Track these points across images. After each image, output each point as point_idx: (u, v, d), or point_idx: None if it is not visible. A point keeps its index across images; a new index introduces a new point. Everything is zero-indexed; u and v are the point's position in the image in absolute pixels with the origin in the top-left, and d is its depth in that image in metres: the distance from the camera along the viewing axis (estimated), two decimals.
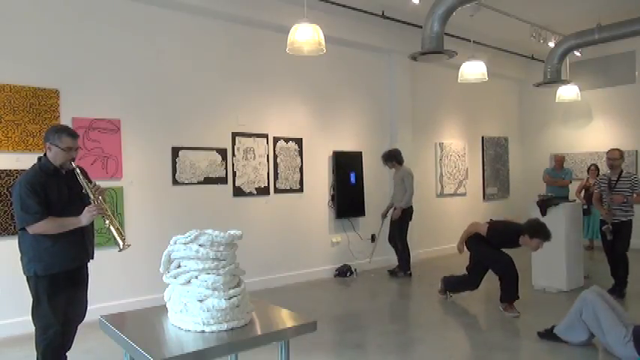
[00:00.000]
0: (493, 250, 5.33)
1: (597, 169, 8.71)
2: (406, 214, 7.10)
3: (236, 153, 6.41)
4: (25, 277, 3.33)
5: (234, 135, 6.41)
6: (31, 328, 4.60)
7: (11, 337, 4.69)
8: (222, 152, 6.28)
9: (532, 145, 10.75)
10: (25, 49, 4.95)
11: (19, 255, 3.32)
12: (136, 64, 5.65)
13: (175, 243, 2.30)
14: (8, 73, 4.84)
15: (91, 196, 3.26)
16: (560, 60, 7.56)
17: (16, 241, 3.36)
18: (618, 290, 5.73)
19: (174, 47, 5.93)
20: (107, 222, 3.25)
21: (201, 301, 2.20)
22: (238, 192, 6.42)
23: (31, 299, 3.32)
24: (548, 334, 4.41)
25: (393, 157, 7.15)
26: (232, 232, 2.33)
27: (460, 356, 4.19)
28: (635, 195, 5.81)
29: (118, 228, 3.26)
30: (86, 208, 3.23)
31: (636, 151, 9.18)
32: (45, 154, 3.29)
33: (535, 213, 6.26)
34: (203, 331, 2.15)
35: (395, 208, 7.11)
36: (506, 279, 5.29)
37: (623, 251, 5.82)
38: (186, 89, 6.02)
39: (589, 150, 9.72)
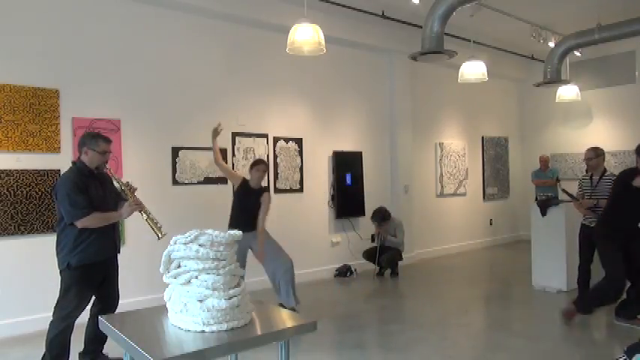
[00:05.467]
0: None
1: None
2: None
3: (236, 153, 6.41)
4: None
5: (234, 135, 6.41)
6: (32, 329, 4.65)
7: (12, 337, 4.68)
8: (222, 152, 6.26)
9: (532, 145, 10.74)
10: (25, 49, 4.95)
11: (56, 250, 3.57)
12: (136, 64, 5.65)
13: (175, 243, 2.30)
14: (8, 73, 4.84)
15: (128, 193, 3.65)
16: (560, 60, 7.55)
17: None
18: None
19: (174, 47, 5.93)
20: (144, 216, 3.59)
21: (201, 301, 2.20)
22: None
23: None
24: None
25: (386, 215, 7.20)
26: (232, 232, 2.33)
27: (460, 356, 4.18)
28: None
29: (154, 220, 3.60)
30: (126, 203, 3.62)
31: None
32: (79, 158, 3.65)
33: (535, 213, 6.26)
34: (203, 331, 2.15)
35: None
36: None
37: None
38: (186, 89, 6.02)
39: None
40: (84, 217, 3.44)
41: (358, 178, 7.64)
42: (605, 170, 5.49)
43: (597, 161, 5.45)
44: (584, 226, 5.45)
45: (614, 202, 4.78)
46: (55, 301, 3.56)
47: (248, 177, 5.28)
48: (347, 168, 7.50)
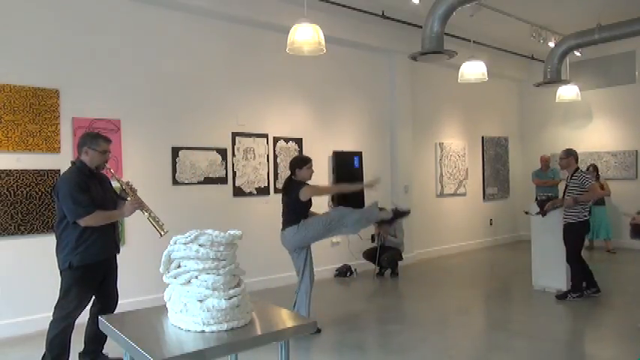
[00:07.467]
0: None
1: (596, 169, 8.73)
2: None
3: (236, 153, 6.41)
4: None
5: (234, 135, 6.41)
6: (32, 329, 4.65)
7: (11, 337, 4.68)
8: (222, 152, 6.28)
9: (532, 145, 10.74)
10: (25, 49, 4.95)
11: (56, 250, 3.59)
12: (136, 64, 5.65)
13: (175, 243, 2.30)
14: (8, 73, 4.84)
15: (129, 192, 3.69)
16: (560, 60, 7.56)
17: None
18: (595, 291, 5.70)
19: (174, 47, 5.93)
20: (146, 214, 3.64)
21: (201, 301, 2.20)
22: (238, 192, 6.42)
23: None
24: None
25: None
26: (232, 232, 2.33)
27: (460, 356, 4.18)
28: (589, 193, 5.55)
29: (155, 218, 3.64)
30: (127, 202, 3.66)
31: (636, 151, 9.17)
32: (78, 158, 3.66)
33: (535, 213, 6.26)
34: (203, 331, 2.15)
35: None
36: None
37: (569, 256, 5.68)
38: (186, 89, 6.02)
39: (589, 150, 9.70)
40: (87, 216, 3.46)
41: (358, 176, 7.64)
42: (576, 169, 5.74)
43: (567, 161, 5.76)
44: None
45: None
46: (55, 301, 3.56)
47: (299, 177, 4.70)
48: (347, 168, 7.49)
